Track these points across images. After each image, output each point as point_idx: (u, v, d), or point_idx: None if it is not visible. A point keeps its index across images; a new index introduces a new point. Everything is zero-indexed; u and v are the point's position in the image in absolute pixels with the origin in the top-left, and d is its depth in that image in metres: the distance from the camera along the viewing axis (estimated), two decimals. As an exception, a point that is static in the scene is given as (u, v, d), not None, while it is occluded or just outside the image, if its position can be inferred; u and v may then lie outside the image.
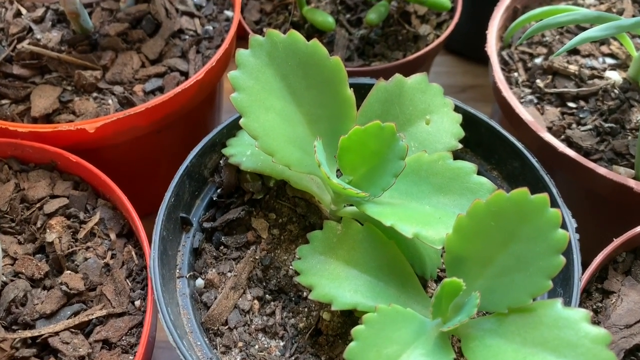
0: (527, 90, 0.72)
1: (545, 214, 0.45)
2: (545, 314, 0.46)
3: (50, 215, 0.59)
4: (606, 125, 0.67)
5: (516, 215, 0.46)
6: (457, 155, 0.61)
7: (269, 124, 0.54)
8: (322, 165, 0.50)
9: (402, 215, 0.52)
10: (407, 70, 0.76)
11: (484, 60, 1.04)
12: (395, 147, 0.52)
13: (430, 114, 0.61)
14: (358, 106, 0.58)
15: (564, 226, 0.56)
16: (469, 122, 0.63)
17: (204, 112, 0.76)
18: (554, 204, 0.57)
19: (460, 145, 0.60)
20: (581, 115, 0.69)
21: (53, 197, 0.61)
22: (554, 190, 0.58)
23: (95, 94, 0.68)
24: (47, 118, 0.66)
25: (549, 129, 0.68)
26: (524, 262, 0.46)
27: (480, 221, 0.47)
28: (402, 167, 0.52)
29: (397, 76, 0.60)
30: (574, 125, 0.68)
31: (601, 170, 0.61)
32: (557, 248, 0.45)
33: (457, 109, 0.62)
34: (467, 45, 1.04)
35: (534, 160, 0.60)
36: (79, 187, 0.63)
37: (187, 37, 0.74)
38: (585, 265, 0.55)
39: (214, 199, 0.62)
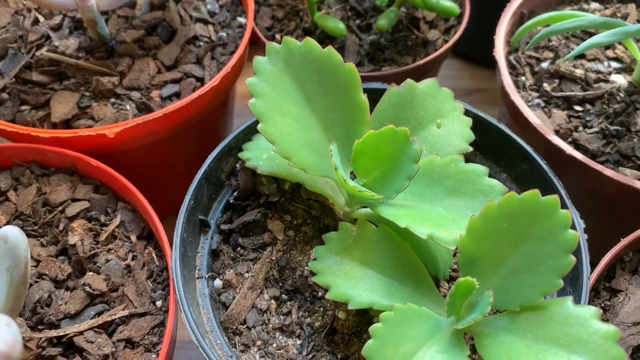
0: (534, 94, 0.74)
1: (556, 215, 0.47)
2: (556, 312, 0.47)
3: (71, 219, 0.61)
4: (612, 128, 0.69)
5: (527, 217, 0.48)
6: (467, 158, 0.62)
7: (286, 129, 0.56)
8: (338, 168, 0.52)
9: (416, 216, 0.53)
10: (417, 74, 0.77)
11: (490, 64, 1.06)
12: (408, 150, 0.54)
13: (441, 117, 0.62)
14: (371, 110, 0.59)
15: (572, 227, 0.57)
16: (479, 126, 0.65)
17: (218, 117, 0.78)
18: (562, 205, 0.59)
19: (470, 149, 0.61)
20: (587, 118, 0.71)
21: (74, 200, 0.63)
22: (563, 192, 0.59)
23: (113, 100, 0.70)
24: (67, 123, 0.68)
25: (556, 132, 0.69)
26: (535, 261, 0.48)
27: (493, 222, 0.49)
28: (415, 170, 0.53)
29: (409, 81, 0.62)
30: (580, 128, 0.70)
31: (608, 172, 0.63)
32: (567, 248, 0.47)
33: (467, 112, 0.64)
34: (473, 49, 1.05)
35: (542, 163, 0.62)
36: (99, 190, 0.64)
37: (201, 43, 0.76)
38: (592, 265, 0.57)
39: (231, 201, 0.64)
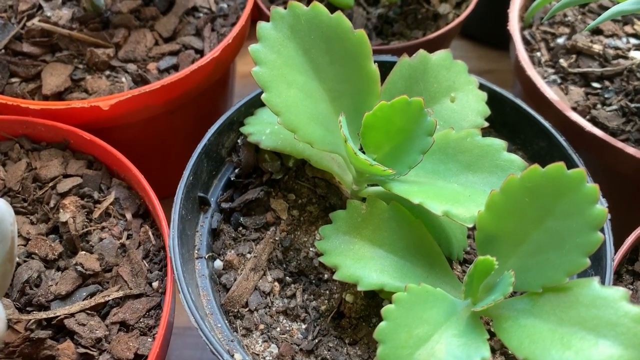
0: (550, 70, 0.70)
1: (582, 189, 0.44)
2: (581, 293, 0.44)
3: (63, 195, 0.58)
4: (632, 105, 0.66)
5: (552, 191, 0.45)
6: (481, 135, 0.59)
7: (292, 99, 0.52)
8: (348, 140, 0.49)
9: (431, 193, 0.50)
10: (427, 49, 0.74)
11: (499, 45, 1.03)
12: (423, 123, 0.50)
13: (455, 91, 0.59)
14: (380, 83, 0.56)
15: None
16: (494, 101, 0.62)
17: (217, 93, 0.74)
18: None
19: (486, 124, 0.58)
20: (606, 96, 0.67)
21: (66, 176, 0.59)
22: (583, 169, 0.56)
23: (107, 72, 0.66)
24: (59, 96, 0.64)
25: (574, 109, 0.66)
26: (559, 239, 0.45)
27: (514, 197, 0.46)
28: (430, 143, 0.50)
29: (421, 52, 0.59)
30: (599, 106, 0.67)
31: (630, 150, 0.60)
32: (594, 224, 0.44)
33: (481, 87, 0.61)
34: (482, 29, 1.02)
35: (561, 140, 0.58)
36: (93, 166, 0.61)
37: (201, 14, 0.72)
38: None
39: (232, 179, 0.60)
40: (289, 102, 0.52)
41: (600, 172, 0.65)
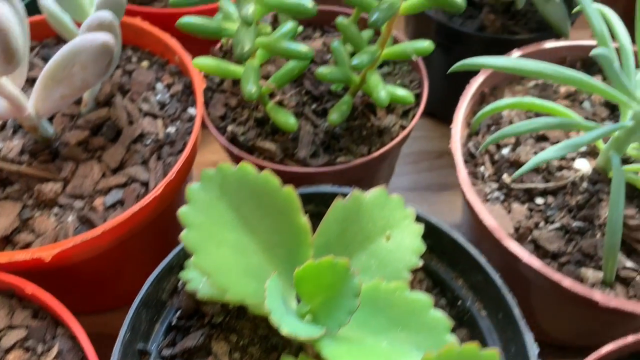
0: (494, 186, 0.71)
1: (496, 369, 0.44)
2: None
3: (7, 351, 0.58)
4: (574, 224, 0.66)
5: (468, 370, 0.45)
6: (425, 265, 0.61)
7: (221, 259, 0.53)
8: (272, 312, 0.49)
9: (357, 355, 0.51)
10: (373, 165, 0.75)
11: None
12: (349, 283, 0.51)
13: (390, 228, 0.60)
14: (320, 220, 0.57)
15: (524, 353, 0.55)
16: (432, 231, 0.63)
17: (167, 218, 0.75)
18: (514, 326, 0.56)
19: (420, 264, 0.58)
20: (549, 213, 0.68)
21: (11, 327, 0.60)
22: (516, 312, 0.57)
23: (55, 210, 0.67)
24: (7, 240, 0.65)
25: (516, 230, 0.66)
26: (478, 416, 0.45)
27: (433, 374, 0.46)
28: (356, 305, 0.51)
29: (354, 194, 0.59)
30: (541, 224, 0.67)
31: (566, 283, 0.60)
32: (509, 404, 0.44)
33: (418, 218, 0.62)
34: (443, 109, 1.02)
35: (495, 278, 0.59)
36: (38, 315, 0.62)
37: (149, 141, 0.73)
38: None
39: (173, 323, 0.61)
40: (219, 262, 0.53)
41: (548, 296, 0.65)
